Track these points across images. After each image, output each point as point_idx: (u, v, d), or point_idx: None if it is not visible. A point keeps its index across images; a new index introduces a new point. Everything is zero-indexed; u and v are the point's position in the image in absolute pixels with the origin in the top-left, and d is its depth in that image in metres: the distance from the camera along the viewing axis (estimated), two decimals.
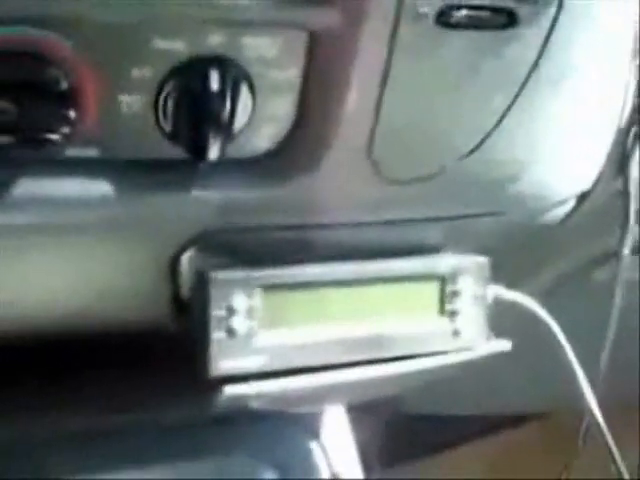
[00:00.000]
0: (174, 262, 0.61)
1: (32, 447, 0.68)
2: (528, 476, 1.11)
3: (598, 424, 0.74)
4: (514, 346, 0.71)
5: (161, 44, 0.53)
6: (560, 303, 0.79)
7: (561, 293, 0.86)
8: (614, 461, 0.75)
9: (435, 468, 1.19)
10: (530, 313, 0.72)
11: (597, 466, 0.75)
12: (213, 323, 0.60)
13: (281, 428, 0.76)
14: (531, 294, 0.74)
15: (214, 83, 0.54)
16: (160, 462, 0.71)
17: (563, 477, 0.83)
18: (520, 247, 0.77)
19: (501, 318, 0.70)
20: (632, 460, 0.78)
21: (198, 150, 0.55)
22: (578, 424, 0.77)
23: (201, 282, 0.60)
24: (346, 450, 0.79)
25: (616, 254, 0.78)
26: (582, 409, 0.75)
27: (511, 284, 0.72)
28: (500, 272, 0.70)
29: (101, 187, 0.56)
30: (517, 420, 1.22)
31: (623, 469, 0.75)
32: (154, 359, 0.68)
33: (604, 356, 0.78)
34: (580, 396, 0.74)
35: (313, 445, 0.77)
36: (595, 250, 0.84)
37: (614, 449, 0.75)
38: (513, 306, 0.72)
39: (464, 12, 0.57)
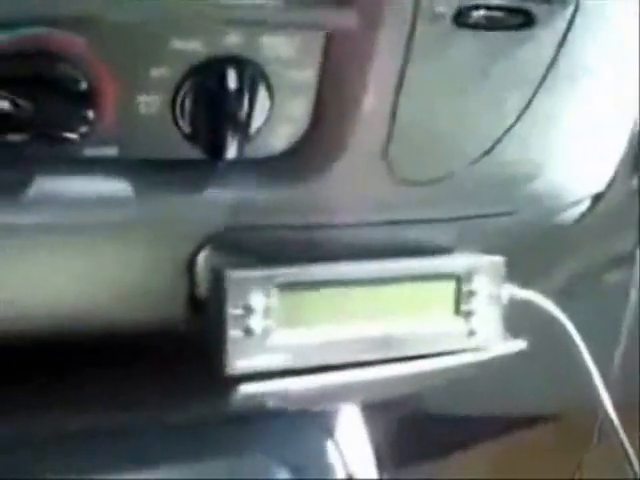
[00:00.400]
0: (190, 261, 0.62)
1: (35, 446, 0.68)
2: (541, 476, 1.11)
3: (612, 423, 0.74)
4: (529, 346, 0.71)
5: (179, 44, 0.54)
6: (574, 303, 0.79)
7: (575, 293, 0.86)
8: (629, 461, 0.75)
9: (448, 468, 1.19)
10: (545, 313, 0.72)
11: (610, 466, 0.75)
12: (230, 321, 0.60)
13: (295, 427, 0.76)
14: (545, 294, 0.74)
15: (232, 83, 0.54)
16: (173, 461, 0.71)
17: (576, 477, 0.83)
18: (534, 247, 0.77)
19: (516, 318, 0.70)
20: None
21: (216, 150, 0.55)
22: (591, 424, 0.77)
23: (218, 280, 0.60)
24: (361, 449, 0.79)
25: (631, 255, 0.78)
26: (596, 409, 0.75)
27: (525, 284, 0.72)
28: (514, 272, 0.70)
29: (118, 186, 0.56)
30: (530, 421, 1.22)
31: (637, 469, 0.75)
32: (169, 358, 0.69)
33: (618, 356, 0.78)
34: (594, 396, 0.74)
35: (328, 444, 0.77)
36: (610, 251, 0.84)
37: (629, 449, 0.75)
38: (528, 306, 0.72)
39: (481, 12, 0.57)
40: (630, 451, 0.74)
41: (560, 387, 0.87)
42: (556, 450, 1.13)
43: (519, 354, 0.71)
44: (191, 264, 0.62)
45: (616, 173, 0.74)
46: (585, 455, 0.82)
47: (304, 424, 0.76)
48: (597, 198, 0.75)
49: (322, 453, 0.76)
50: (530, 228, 0.73)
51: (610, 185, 0.74)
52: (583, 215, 0.75)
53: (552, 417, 1.21)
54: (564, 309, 0.73)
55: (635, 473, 0.75)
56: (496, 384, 0.87)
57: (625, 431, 0.75)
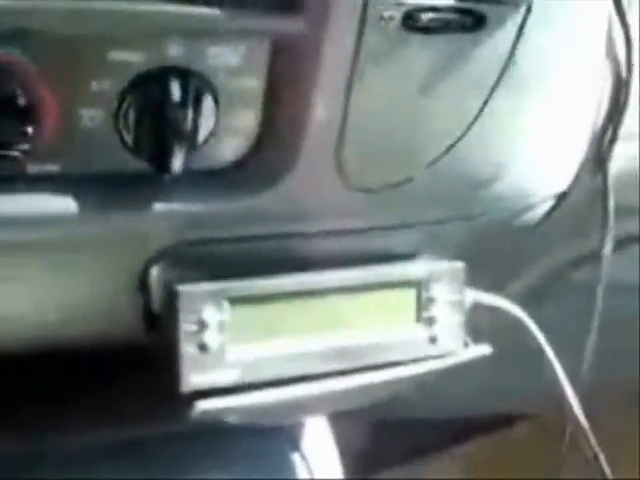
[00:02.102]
0: (143, 276, 0.61)
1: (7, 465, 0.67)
2: (517, 476, 1.10)
3: (580, 426, 0.73)
4: (497, 349, 0.70)
5: (119, 56, 0.52)
6: (541, 304, 0.78)
7: (542, 294, 0.85)
8: (598, 462, 0.74)
9: (420, 472, 1.18)
10: (510, 316, 0.72)
11: (586, 465, 0.75)
12: (184, 337, 0.59)
13: (261, 439, 0.75)
14: (512, 296, 0.73)
15: (175, 94, 0.53)
16: (142, 475, 0.71)
17: (554, 477, 0.82)
18: (499, 249, 0.76)
19: (483, 321, 0.69)
20: (618, 459, 0.78)
21: (161, 163, 0.54)
22: (565, 424, 0.77)
23: (170, 296, 0.59)
24: (328, 460, 0.79)
25: (596, 253, 0.77)
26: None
27: (492, 287, 0.72)
28: (480, 275, 0.69)
29: (63, 203, 0.55)
30: (505, 421, 1.22)
31: (606, 470, 0.74)
32: (125, 374, 0.68)
33: (586, 355, 0.78)
34: (563, 398, 0.73)
35: (294, 456, 0.76)
36: (575, 250, 0.83)
37: (598, 450, 0.74)
38: (494, 309, 0.71)
39: (431, 15, 0.56)
40: (598, 453, 0.74)
41: (530, 389, 0.86)
42: (532, 450, 1.13)
43: (489, 357, 0.70)
44: (144, 279, 0.61)
45: (579, 172, 0.73)
46: (561, 454, 0.81)
47: (270, 436, 0.75)
48: (560, 198, 0.74)
49: (289, 465, 0.76)
50: (494, 230, 0.72)
51: (573, 185, 0.73)
52: (547, 216, 0.74)
53: (528, 418, 1.20)
54: (531, 310, 0.72)
55: (604, 474, 0.74)
56: (465, 387, 0.87)
57: (595, 431, 0.74)
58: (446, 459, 1.19)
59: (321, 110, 0.56)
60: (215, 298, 0.59)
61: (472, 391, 0.93)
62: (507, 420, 1.17)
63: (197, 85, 0.54)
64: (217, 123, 0.56)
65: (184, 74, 0.54)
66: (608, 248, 0.76)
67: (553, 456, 0.82)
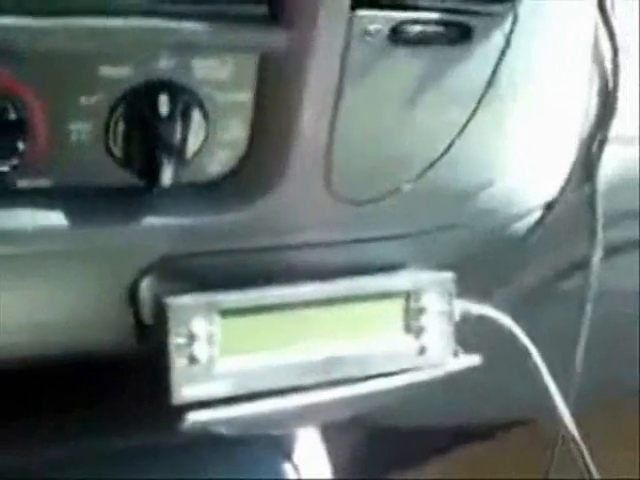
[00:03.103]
0: (133, 289, 0.61)
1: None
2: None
3: (571, 434, 0.74)
4: (488, 358, 0.70)
5: (108, 71, 0.53)
6: (531, 313, 0.79)
7: (532, 303, 0.86)
8: (588, 470, 0.74)
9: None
10: (500, 326, 0.72)
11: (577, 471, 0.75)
12: (174, 350, 0.59)
13: (253, 450, 0.75)
14: (502, 306, 0.74)
15: (164, 108, 0.53)
16: None
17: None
18: (489, 259, 0.76)
19: (473, 331, 0.69)
20: (609, 465, 0.78)
21: (150, 176, 0.54)
22: (556, 431, 0.77)
23: (160, 308, 0.59)
24: (319, 469, 0.79)
25: (586, 262, 0.77)
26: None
27: (481, 297, 0.72)
28: (469, 285, 0.69)
29: (54, 217, 0.55)
30: (500, 427, 1.22)
31: (596, 477, 0.75)
32: (117, 386, 0.68)
33: (577, 363, 0.78)
34: (553, 406, 0.73)
35: (286, 467, 0.76)
36: (565, 259, 0.83)
37: (588, 458, 0.74)
38: (483, 319, 0.71)
39: (417, 28, 0.57)
40: (588, 460, 0.74)
41: (523, 396, 0.86)
42: (528, 454, 1.12)
43: (480, 366, 0.70)
44: (134, 292, 0.61)
45: (567, 181, 0.73)
46: (553, 458, 0.81)
47: (261, 447, 0.76)
48: (549, 207, 0.74)
49: (280, 475, 0.76)
50: (482, 241, 0.72)
51: (561, 194, 0.74)
52: (536, 225, 0.75)
53: (522, 421, 1.20)
54: (521, 319, 0.73)
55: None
56: (456, 396, 0.87)
57: (585, 437, 0.74)
58: (440, 467, 1.20)
59: (309, 123, 0.56)
60: (205, 310, 0.59)
61: (464, 399, 0.93)
62: (502, 426, 1.17)
63: (186, 99, 0.54)
64: (206, 136, 0.56)
65: (173, 88, 0.54)
66: (597, 256, 0.77)
67: (548, 461, 0.82)
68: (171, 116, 0.54)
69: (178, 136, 0.54)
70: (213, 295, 0.60)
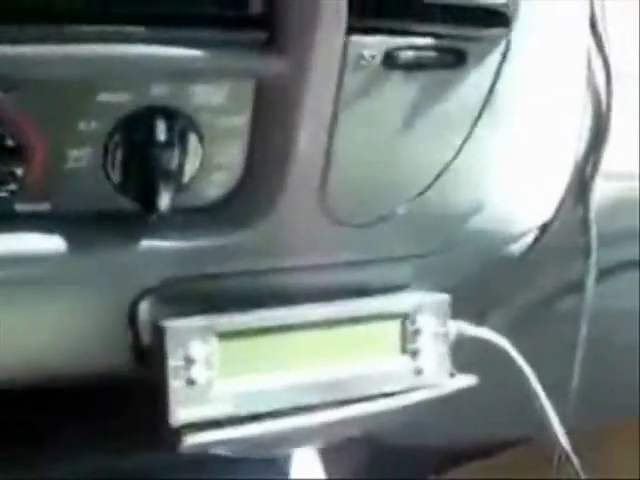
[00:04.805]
0: (132, 312, 0.61)
1: None
2: None
3: (567, 454, 0.74)
4: (484, 378, 0.71)
5: (106, 97, 0.53)
6: (527, 334, 0.79)
7: (528, 323, 0.86)
8: None
9: None
10: (495, 347, 0.72)
11: None
12: (172, 373, 0.59)
13: (251, 471, 0.75)
14: (498, 326, 0.74)
15: (161, 134, 0.54)
16: None
17: None
18: (484, 280, 0.77)
19: (469, 352, 0.70)
20: None
21: (148, 202, 0.55)
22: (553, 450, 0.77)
23: (157, 332, 0.60)
24: None
25: (581, 283, 0.78)
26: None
27: (477, 317, 0.72)
28: (465, 306, 0.70)
29: (52, 241, 0.55)
30: (498, 446, 1.22)
31: None
32: (116, 407, 0.68)
33: (573, 384, 0.78)
34: (549, 426, 0.74)
35: None
36: (560, 280, 0.83)
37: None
38: (479, 340, 0.72)
39: (411, 53, 0.57)
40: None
41: (519, 416, 0.86)
42: (526, 472, 1.12)
43: (476, 386, 0.70)
44: (133, 314, 0.61)
45: (561, 202, 0.74)
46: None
47: (260, 468, 0.76)
48: (544, 228, 0.75)
49: None
50: (478, 262, 0.72)
51: (556, 215, 0.74)
52: (531, 247, 0.75)
53: (520, 441, 1.20)
54: (517, 339, 0.73)
55: None
56: (454, 416, 0.87)
57: (580, 456, 0.75)
58: None
59: (305, 147, 0.57)
60: (202, 333, 0.60)
61: (462, 419, 0.93)
62: (500, 445, 1.17)
63: (182, 124, 0.55)
64: (203, 161, 0.56)
65: (169, 114, 0.54)
66: (592, 276, 0.77)
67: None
68: (168, 142, 0.54)
69: (175, 162, 0.55)
70: (210, 318, 0.60)
